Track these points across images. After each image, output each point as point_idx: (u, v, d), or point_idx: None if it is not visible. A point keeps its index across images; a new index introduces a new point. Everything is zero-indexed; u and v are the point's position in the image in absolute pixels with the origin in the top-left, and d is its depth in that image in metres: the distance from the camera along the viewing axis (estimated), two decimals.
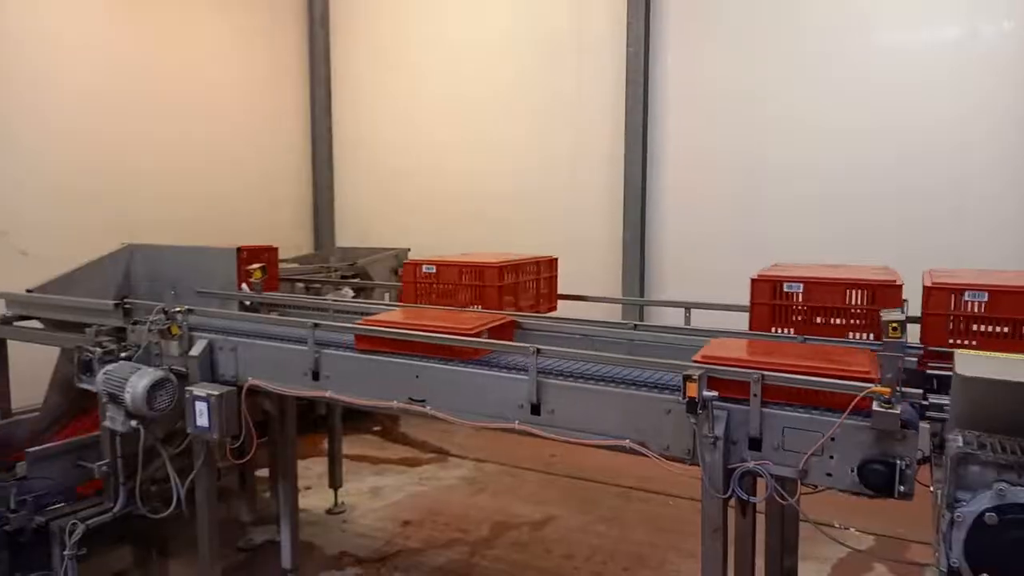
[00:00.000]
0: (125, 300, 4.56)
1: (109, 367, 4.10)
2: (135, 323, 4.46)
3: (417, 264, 4.62)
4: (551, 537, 5.78)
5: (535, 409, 3.21)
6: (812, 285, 3.60)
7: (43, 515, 4.26)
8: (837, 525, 5.48)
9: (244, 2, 10.07)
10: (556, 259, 5.11)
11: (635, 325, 3.93)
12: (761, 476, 2.71)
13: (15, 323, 5.13)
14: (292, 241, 10.46)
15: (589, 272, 8.75)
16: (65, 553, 4.16)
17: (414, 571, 5.17)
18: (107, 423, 4.13)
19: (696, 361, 2.84)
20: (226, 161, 9.78)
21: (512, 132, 9.55)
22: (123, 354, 4.28)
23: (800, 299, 3.60)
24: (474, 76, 9.82)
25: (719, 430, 2.71)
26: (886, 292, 3.46)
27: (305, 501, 6.13)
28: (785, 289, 3.65)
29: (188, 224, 8.56)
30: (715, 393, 2.72)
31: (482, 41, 9.75)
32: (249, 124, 10.16)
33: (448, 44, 10.03)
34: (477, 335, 3.53)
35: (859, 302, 3.50)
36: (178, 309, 4.18)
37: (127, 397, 3.91)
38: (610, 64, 8.62)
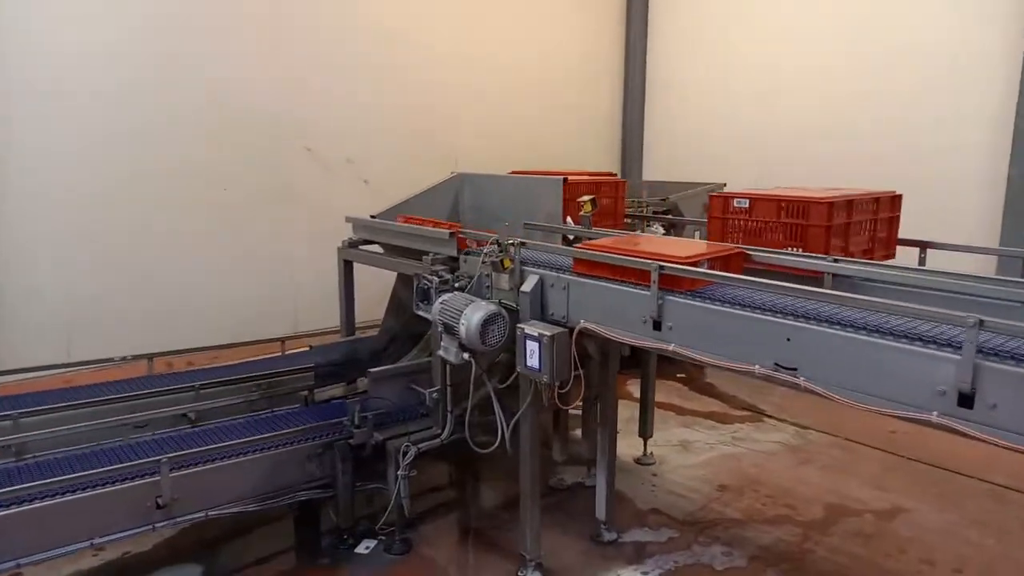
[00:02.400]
0: (460, 231, 4.48)
1: (444, 297, 4.05)
2: (467, 254, 4.39)
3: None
4: (902, 534, 4.83)
5: (966, 400, 2.39)
6: (755, 201, 4.03)
7: (381, 433, 4.45)
8: None
9: None
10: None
11: None
12: None
13: (360, 247, 5.41)
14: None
15: (948, 216, 7.25)
16: (399, 473, 4.30)
17: (737, 546, 4.62)
18: (441, 352, 4.11)
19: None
20: (536, 89, 9.69)
21: (843, 59, 8.11)
22: (456, 284, 4.22)
23: (745, 214, 4.09)
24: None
25: None
26: (816, 209, 3.82)
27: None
28: (734, 205, 4.11)
29: (501, 153, 8.63)
30: None
31: None
32: (560, 51, 9.93)
33: None
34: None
35: (790, 217, 3.91)
36: (511, 241, 3.97)
37: (461, 329, 3.81)
38: None
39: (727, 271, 3.46)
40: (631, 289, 3.44)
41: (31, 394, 4.95)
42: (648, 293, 3.31)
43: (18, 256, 6.05)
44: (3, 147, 5.90)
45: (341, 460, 4.38)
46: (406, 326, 5.56)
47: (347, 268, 5.39)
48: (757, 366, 2.94)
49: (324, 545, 4.61)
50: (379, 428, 4.46)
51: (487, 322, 3.78)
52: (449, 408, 4.48)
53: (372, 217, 5.27)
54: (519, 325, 3.78)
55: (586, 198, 4.50)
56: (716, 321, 3.10)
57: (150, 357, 5.50)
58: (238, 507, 4.08)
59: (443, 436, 4.49)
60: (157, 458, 3.77)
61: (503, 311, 3.87)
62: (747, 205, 4.07)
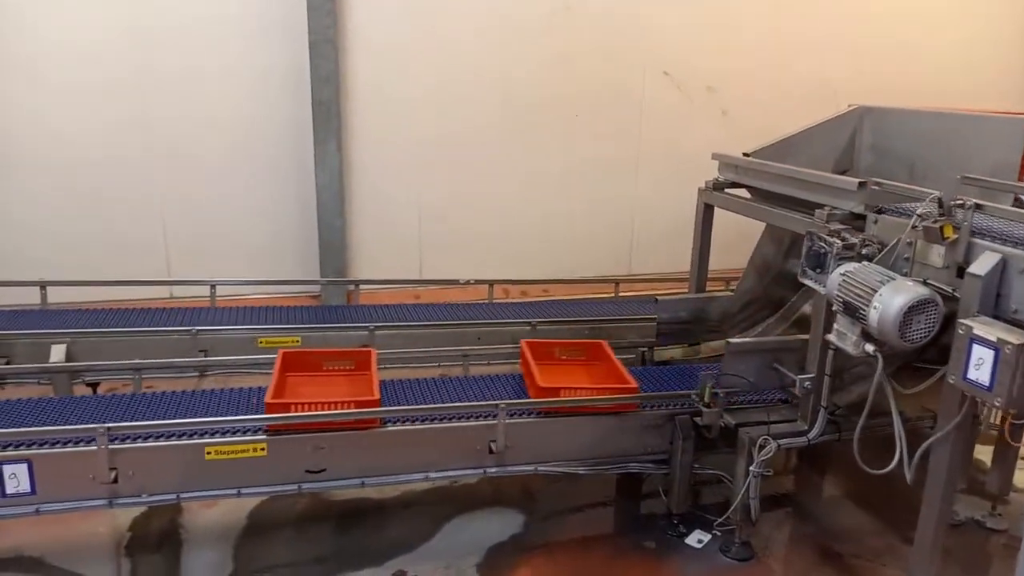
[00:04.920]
0: (873, 180, 3.46)
1: (847, 268, 3.12)
2: (880, 211, 3.37)
3: None
4: None
5: None
6: None
7: (732, 416, 3.74)
8: None
9: None
10: None
11: None
12: None
13: (725, 190, 4.61)
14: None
15: None
16: (751, 468, 3.57)
17: None
18: (832, 337, 3.21)
19: None
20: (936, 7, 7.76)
21: None
22: (863, 250, 3.25)
23: None
24: None
25: None
26: None
27: (1018, 477, 4.45)
28: None
29: (885, 86, 7.03)
30: None
31: None
32: None
33: None
34: None
35: None
36: (960, 202, 2.88)
37: (872, 315, 2.88)
38: None
39: None
40: None
41: (385, 307, 5.14)
42: None
43: (385, 179, 6.41)
44: (383, 92, 6.25)
45: (682, 438, 3.79)
46: (767, 290, 4.71)
47: (707, 213, 4.63)
48: None
49: (646, 518, 4.13)
50: (730, 410, 3.76)
51: (913, 310, 2.80)
52: (823, 403, 3.61)
53: (745, 155, 4.42)
54: (962, 321, 2.73)
55: None
56: None
57: (490, 283, 5.46)
58: (567, 468, 3.73)
59: (811, 436, 3.65)
60: (495, 402, 3.53)
61: (937, 297, 2.84)
62: None
